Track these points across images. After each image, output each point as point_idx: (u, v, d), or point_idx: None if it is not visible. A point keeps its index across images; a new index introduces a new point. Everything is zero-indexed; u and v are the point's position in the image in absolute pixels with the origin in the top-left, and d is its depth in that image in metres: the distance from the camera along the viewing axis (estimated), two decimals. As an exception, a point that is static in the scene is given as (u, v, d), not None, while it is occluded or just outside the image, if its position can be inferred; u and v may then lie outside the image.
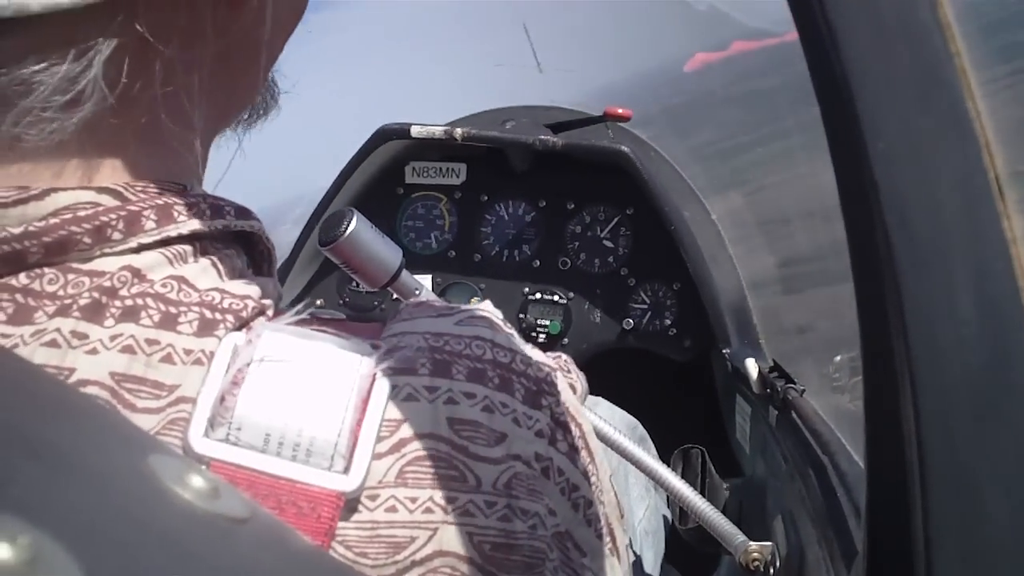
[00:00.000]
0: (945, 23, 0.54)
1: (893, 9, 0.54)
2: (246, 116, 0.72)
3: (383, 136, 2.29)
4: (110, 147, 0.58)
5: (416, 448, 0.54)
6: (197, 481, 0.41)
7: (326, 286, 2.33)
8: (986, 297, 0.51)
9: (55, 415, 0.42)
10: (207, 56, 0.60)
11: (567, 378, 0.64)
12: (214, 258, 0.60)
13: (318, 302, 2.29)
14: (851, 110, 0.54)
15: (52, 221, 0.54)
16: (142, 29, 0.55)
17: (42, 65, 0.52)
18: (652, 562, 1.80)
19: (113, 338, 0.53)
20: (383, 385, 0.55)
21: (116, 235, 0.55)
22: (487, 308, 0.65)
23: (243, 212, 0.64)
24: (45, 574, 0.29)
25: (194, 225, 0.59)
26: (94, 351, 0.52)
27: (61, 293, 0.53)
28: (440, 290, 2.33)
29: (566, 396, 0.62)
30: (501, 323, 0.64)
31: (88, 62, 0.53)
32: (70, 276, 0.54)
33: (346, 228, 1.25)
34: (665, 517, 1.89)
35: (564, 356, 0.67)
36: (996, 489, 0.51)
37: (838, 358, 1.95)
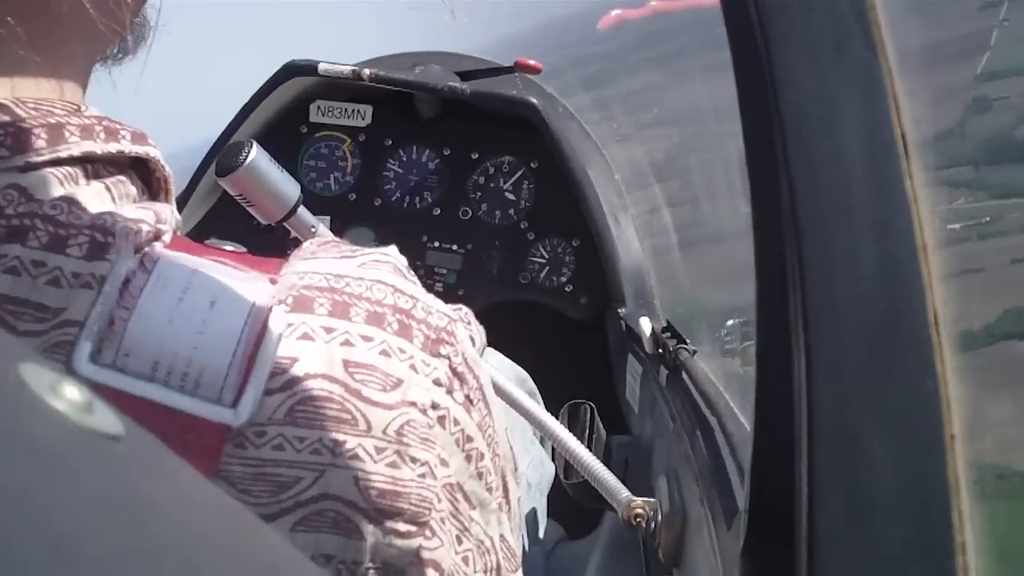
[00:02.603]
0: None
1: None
2: (119, 48, 0.68)
3: (289, 71, 2.24)
4: (2, 52, 0.55)
5: (308, 387, 0.53)
6: (71, 393, 0.39)
7: (222, 220, 2.28)
8: (886, 253, 0.51)
9: None
10: None
11: (467, 330, 0.63)
12: (107, 181, 0.58)
13: (212, 238, 2.24)
14: (764, 59, 0.54)
15: None
16: None
17: None
18: (534, 515, 1.81)
19: None
20: (278, 321, 0.54)
21: (3, 151, 0.53)
22: (391, 253, 0.64)
23: (139, 137, 0.61)
24: None
25: (87, 147, 0.56)
26: None
27: None
28: (338, 233, 2.30)
29: (465, 347, 0.61)
30: (404, 270, 0.63)
31: None
32: None
33: (244, 159, 1.22)
34: (549, 470, 1.90)
35: (464, 308, 0.66)
36: (882, 444, 0.51)
37: (730, 322, 1.98)
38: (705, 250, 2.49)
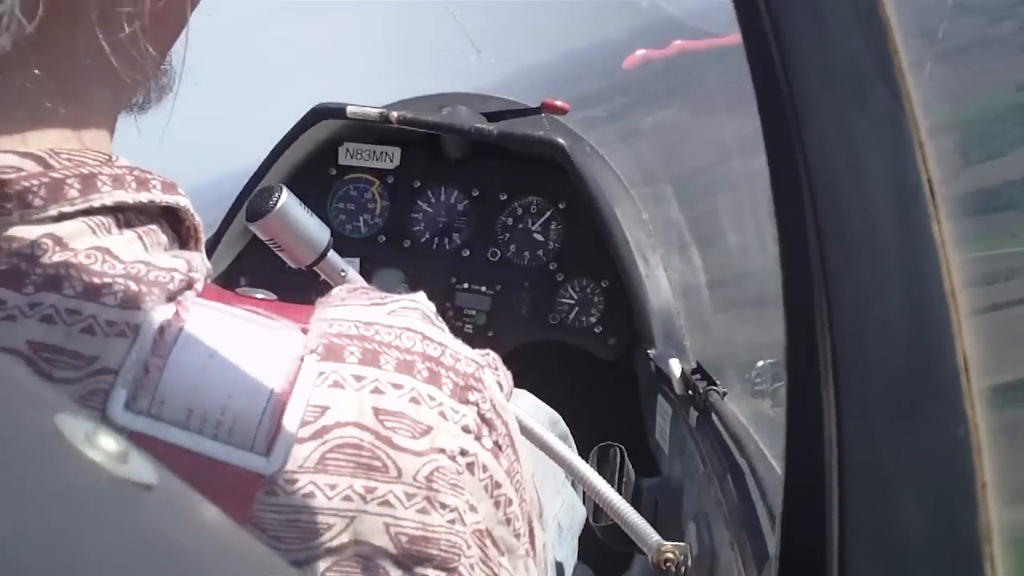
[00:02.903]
0: (886, 21, 0.54)
1: (834, 4, 0.54)
2: (145, 97, 0.69)
3: (318, 114, 2.26)
4: (31, 102, 0.56)
5: (339, 435, 0.54)
6: (106, 442, 0.40)
7: (252, 264, 2.29)
8: (914, 299, 0.51)
9: None
10: (140, 5, 0.58)
11: (495, 375, 0.64)
12: (139, 230, 0.58)
13: (242, 281, 2.25)
14: (788, 103, 0.54)
15: None
16: None
17: None
18: (566, 558, 1.80)
19: (33, 306, 0.51)
20: (310, 369, 0.54)
21: (37, 202, 0.53)
22: (420, 300, 0.64)
23: (169, 187, 0.62)
24: None
25: (118, 196, 0.57)
26: (11, 318, 0.51)
27: None
28: (367, 275, 2.31)
29: (494, 393, 0.62)
30: (433, 316, 0.63)
31: None
32: None
33: (275, 203, 1.23)
34: (580, 513, 1.89)
35: (492, 353, 0.66)
36: (912, 491, 0.51)
37: (760, 363, 1.97)
38: (734, 290, 2.48)
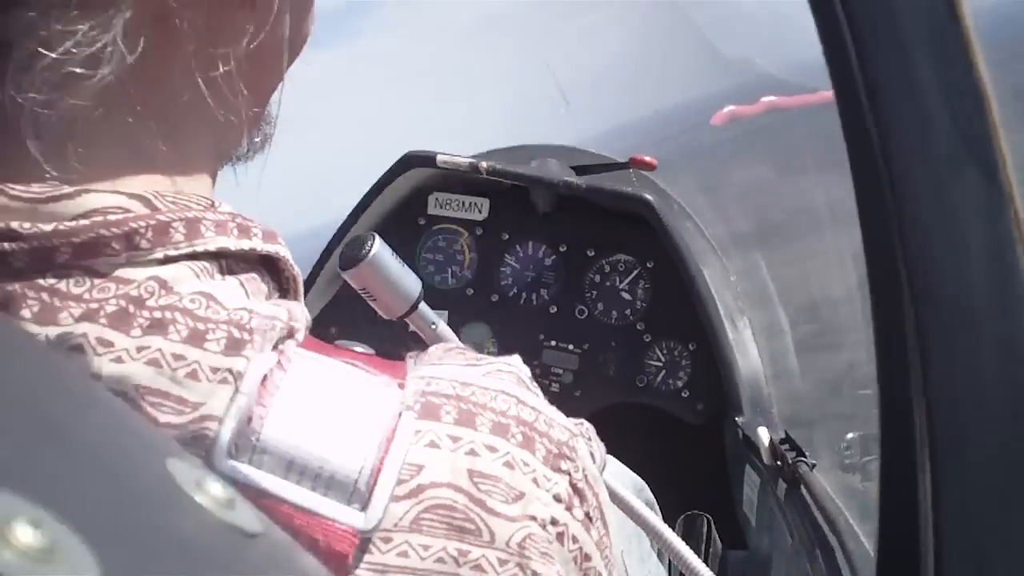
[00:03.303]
0: (985, 93, 0.52)
1: (932, 72, 0.52)
2: (243, 149, 0.71)
3: (408, 163, 2.28)
4: (134, 141, 0.57)
5: (434, 495, 0.54)
6: (215, 489, 0.41)
7: (342, 313, 2.31)
8: (1013, 375, 0.49)
9: (81, 407, 0.42)
10: (235, 50, 0.59)
11: (588, 446, 0.63)
12: (240, 277, 0.59)
13: (332, 330, 2.27)
14: (884, 175, 0.52)
15: (82, 222, 0.53)
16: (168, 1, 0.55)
17: (62, 20, 0.52)
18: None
19: (140, 349, 0.52)
20: (407, 427, 0.55)
21: (144, 243, 0.54)
22: (515, 363, 0.64)
23: (270, 236, 0.63)
24: (62, 565, 0.29)
25: (221, 242, 0.58)
26: (119, 360, 0.52)
27: (87, 296, 0.53)
28: (455, 328, 2.31)
29: (586, 463, 0.61)
30: (528, 381, 0.63)
31: (108, 20, 0.53)
32: (96, 280, 0.53)
33: (368, 251, 1.24)
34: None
35: (586, 423, 0.65)
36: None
37: (850, 435, 1.92)
38: (823, 357, 2.43)
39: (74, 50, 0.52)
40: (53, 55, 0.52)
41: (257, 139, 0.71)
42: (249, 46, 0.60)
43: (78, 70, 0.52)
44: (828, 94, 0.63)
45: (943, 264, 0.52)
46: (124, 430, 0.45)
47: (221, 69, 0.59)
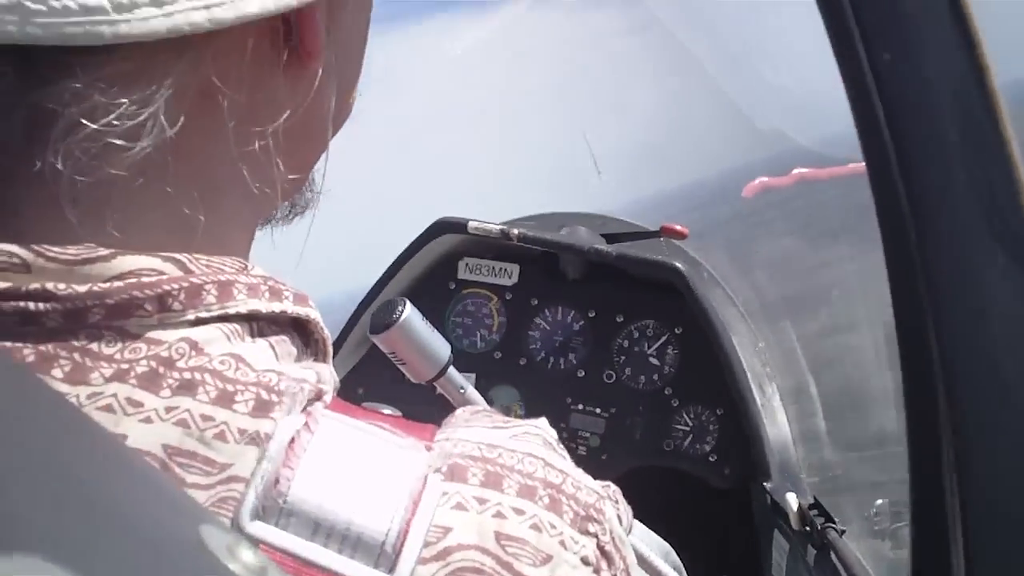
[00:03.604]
0: (1018, 176, 0.53)
1: (969, 161, 0.53)
2: (286, 212, 0.72)
3: (440, 228, 2.30)
4: (172, 207, 0.59)
5: (461, 558, 0.54)
6: (247, 556, 0.41)
7: (370, 375, 2.32)
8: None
9: (113, 471, 0.43)
10: (275, 121, 0.61)
11: (615, 508, 0.63)
12: (271, 340, 0.60)
13: (359, 391, 2.28)
14: (915, 250, 0.54)
15: (116, 284, 0.54)
16: (208, 72, 0.56)
17: (106, 94, 0.53)
18: None
19: (169, 410, 0.53)
20: (434, 489, 0.55)
21: (176, 305, 0.55)
22: (542, 426, 0.65)
23: (301, 299, 0.64)
24: None
25: (252, 305, 0.59)
26: (148, 420, 0.52)
27: (118, 357, 0.53)
28: (483, 390, 2.32)
29: (614, 526, 0.61)
30: (555, 443, 0.63)
31: (151, 96, 0.54)
32: (128, 341, 0.54)
33: (399, 316, 1.25)
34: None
35: (612, 486, 0.66)
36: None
37: (879, 501, 1.91)
38: (852, 425, 2.42)
39: (116, 122, 0.53)
40: (95, 126, 0.53)
41: (299, 204, 0.73)
42: (288, 122, 0.61)
43: (118, 141, 0.53)
44: (859, 166, 0.64)
45: (973, 338, 0.52)
46: (156, 495, 0.45)
47: (258, 145, 0.60)
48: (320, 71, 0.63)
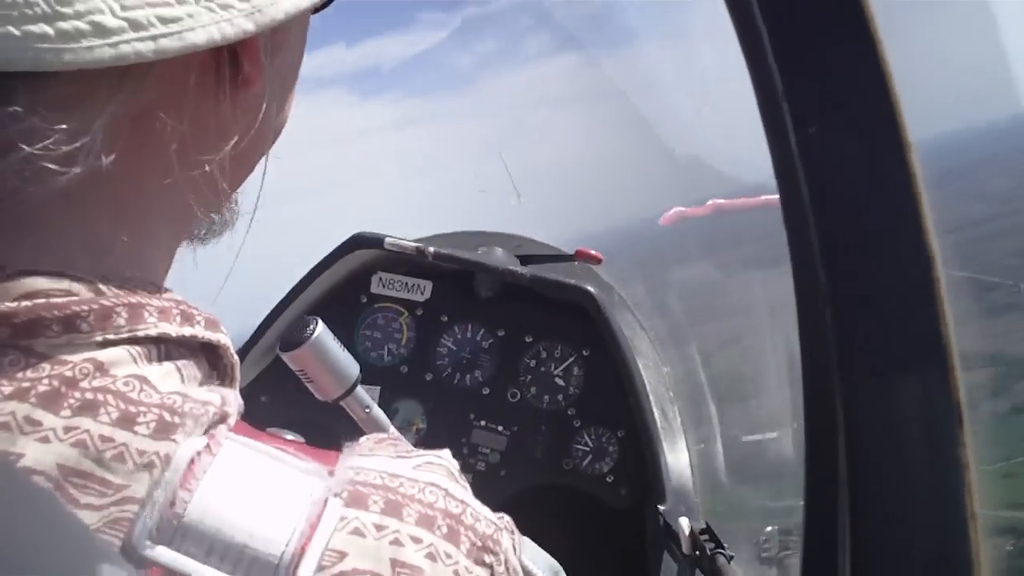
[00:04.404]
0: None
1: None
2: (207, 230, 0.72)
3: (356, 243, 2.30)
4: (94, 228, 0.59)
5: None
6: None
7: (273, 383, 2.30)
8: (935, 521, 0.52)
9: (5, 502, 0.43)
10: (216, 147, 0.61)
11: (511, 539, 0.65)
12: (178, 363, 0.60)
13: (263, 399, 2.26)
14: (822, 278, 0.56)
15: (24, 304, 0.54)
16: (150, 99, 0.57)
17: (46, 119, 0.53)
18: None
19: (67, 430, 0.53)
20: (333, 514, 0.56)
21: (85, 327, 0.55)
22: (445, 457, 0.66)
23: (212, 323, 0.64)
24: None
25: (163, 328, 0.59)
26: (45, 439, 0.52)
27: (20, 376, 0.53)
28: (387, 403, 2.31)
29: (509, 556, 0.63)
30: (457, 474, 0.64)
31: (89, 122, 0.54)
32: (32, 360, 0.54)
33: (310, 334, 1.25)
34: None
35: (507, 517, 0.67)
36: None
37: (769, 528, 1.95)
38: (750, 452, 2.47)
39: (52, 147, 0.53)
40: (30, 149, 0.53)
41: (219, 224, 0.73)
42: (235, 148, 0.62)
43: (52, 166, 0.53)
44: (773, 198, 0.67)
45: (875, 374, 0.55)
46: (51, 531, 0.45)
47: (205, 169, 0.61)
48: (263, 98, 0.64)
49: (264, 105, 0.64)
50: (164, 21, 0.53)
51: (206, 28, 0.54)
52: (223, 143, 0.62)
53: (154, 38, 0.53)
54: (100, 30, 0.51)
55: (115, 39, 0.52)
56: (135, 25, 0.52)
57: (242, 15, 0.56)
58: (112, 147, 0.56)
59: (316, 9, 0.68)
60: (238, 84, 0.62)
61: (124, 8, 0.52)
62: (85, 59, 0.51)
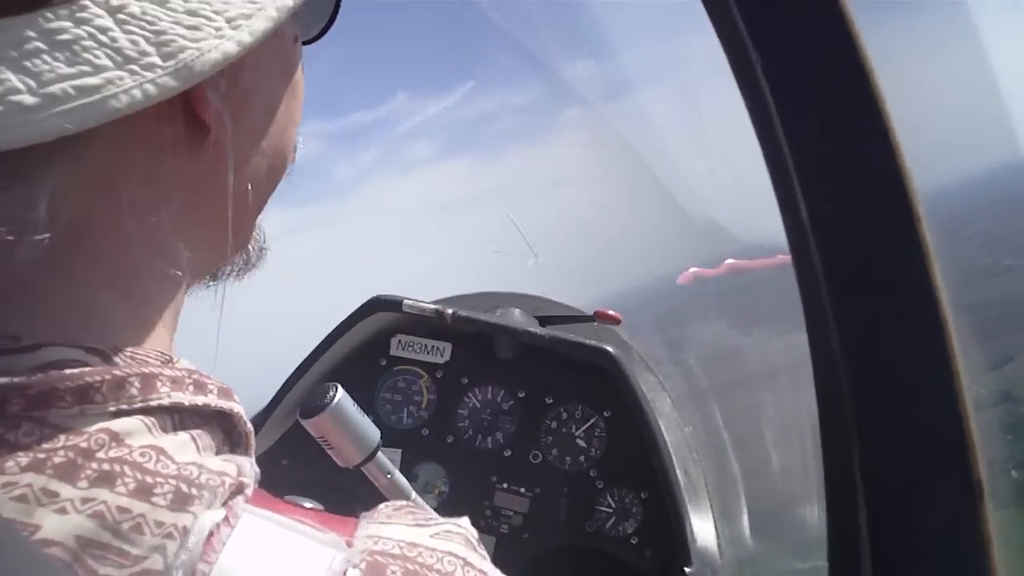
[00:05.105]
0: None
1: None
2: (224, 272, 0.73)
3: (375, 306, 2.31)
4: (90, 295, 0.59)
5: None
6: None
7: (295, 447, 2.30)
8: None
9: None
10: (173, 202, 0.61)
11: None
12: (192, 432, 0.60)
13: (284, 462, 2.26)
14: (834, 334, 0.56)
15: (38, 376, 0.54)
16: (100, 162, 0.57)
17: None
18: None
19: (85, 501, 0.52)
20: None
21: (98, 397, 0.55)
22: (464, 525, 0.65)
23: (225, 392, 0.64)
24: None
25: (176, 398, 0.59)
26: (63, 511, 0.52)
27: (36, 447, 0.53)
28: (408, 466, 2.31)
29: None
30: (475, 543, 0.64)
31: (34, 194, 0.54)
32: (46, 431, 0.54)
33: (330, 401, 1.25)
34: None
35: None
36: None
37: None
38: (776, 514, 2.45)
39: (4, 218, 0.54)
40: None
41: (249, 261, 0.73)
42: (181, 203, 0.62)
43: (10, 237, 0.54)
44: (786, 257, 0.67)
45: (896, 437, 0.54)
46: None
47: (161, 228, 0.61)
48: (225, 145, 0.63)
49: (215, 153, 0.63)
50: (82, 92, 0.53)
51: (128, 92, 0.54)
52: (170, 200, 0.62)
53: (74, 110, 0.52)
54: (20, 109, 0.51)
55: (37, 116, 0.52)
56: (53, 100, 0.52)
57: (166, 73, 0.55)
58: (66, 214, 0.56)
59: (308, 42, 0.68)
60: (196, 133, 0.62)
61: (41, 85, 0.52)
62: (10, 139, 0.51)
